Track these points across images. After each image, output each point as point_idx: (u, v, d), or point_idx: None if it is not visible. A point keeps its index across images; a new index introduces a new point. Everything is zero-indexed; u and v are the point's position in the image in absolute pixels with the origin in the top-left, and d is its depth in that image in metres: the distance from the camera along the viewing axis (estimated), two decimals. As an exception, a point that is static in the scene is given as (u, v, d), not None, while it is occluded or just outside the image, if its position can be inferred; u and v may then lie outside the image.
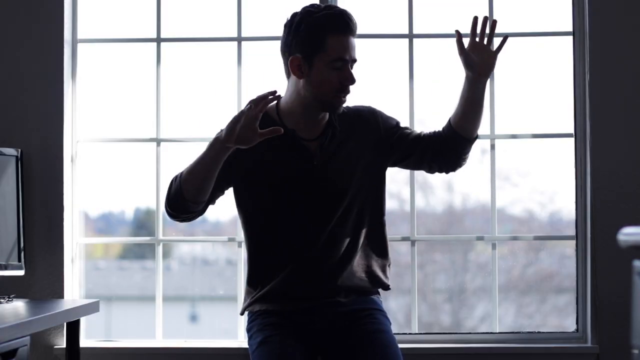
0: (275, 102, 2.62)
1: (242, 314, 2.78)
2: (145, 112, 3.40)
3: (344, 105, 2.68)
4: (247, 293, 2.76)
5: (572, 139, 3.26)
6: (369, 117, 2.75)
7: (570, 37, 3.28)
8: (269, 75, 3.43)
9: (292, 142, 2.66)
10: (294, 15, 2.65)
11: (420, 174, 3.33)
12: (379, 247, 2.73)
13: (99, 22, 3.44)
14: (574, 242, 3.26)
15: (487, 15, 3.01)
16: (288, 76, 2.68)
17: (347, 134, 2.71)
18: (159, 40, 3.39)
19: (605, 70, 3.19)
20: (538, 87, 3.37)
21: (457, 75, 3.40)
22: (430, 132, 2.76)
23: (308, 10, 2.63)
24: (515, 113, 3.35)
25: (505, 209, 3.43)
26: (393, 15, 3.37)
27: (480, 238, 3.31)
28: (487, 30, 2.68)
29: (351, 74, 2.62)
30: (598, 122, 3.19)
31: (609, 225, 3.14)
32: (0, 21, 3.28)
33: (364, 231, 2.69)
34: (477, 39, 2.68)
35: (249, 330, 2.74)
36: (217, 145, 2.51)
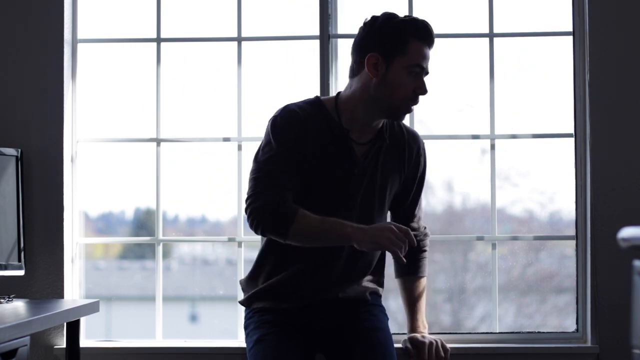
0: (335, 95, 2.70)
1: (243, 304, 2.78)
2: (145, 112, 3.39)
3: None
4: (249, 285, 2.76)
5: (572, 139, 3.26)
6: (418, 145, 2.82)
7: (570, 37, 3.27)
8: (269, 75, 3.43)
9: (343, 144, 2.68)
10: (376, 16, 2.67)
11: (420, 174, 3.33)
12: (382, 257, 2.85)
13: (99, 22, 3.44)
14: (574, 242, 3.26)
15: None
16: (355, 74, 2.68)
17: (392, 150, 2.75)
18: (159, 40, 3.39)
19: (605, 70, 3.19)
20: (538, 87, 3.37)
21: (457, 75, 3.41)
22: (416, 226, 2.91)
23: (393, 14, 2.66)
24: (515, 113, 3.35)
25: (505, 209, 3.43)
26: (393, 15, 3.36)
27: (480, 238, 3.31)
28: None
29: (424, 84, 2.66)
30: (598, 122, 3.18)
31: (609, 225, 3.14)
32: (0, 21, 3.28)
33: None
34: None
35: (246, 327, 2.75)
36: (344, 237, 2.53)
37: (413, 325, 2.95)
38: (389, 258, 2.87)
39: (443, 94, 3.39)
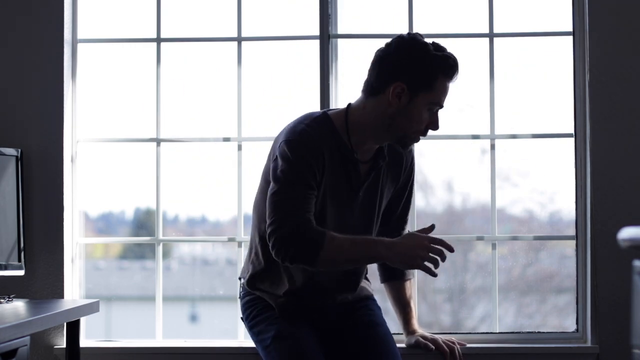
0: (345, 109, 2.67)
1: (249, 285, 2.77)
2: (145, 112, 3.39)
3: None
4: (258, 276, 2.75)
5: (572, 139, 3.26)
6: (412, 156, 2.83)
7: (570, 37, 3.27)
8: (269, 75, 3.43)
9: (352, 166, 2.66)
10: (408, 40, 2.59)
11: (421, 174, 3.34)
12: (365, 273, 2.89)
13: (99, 22, 3.44)
14: (574, 242, 3.26)
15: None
16: (373, 94, 2.62)
17: (391, 167, 2.75)
18: (159, 40, 3.39)
19: (605, 70, 3.19)
20: (538, 87, 3.37)
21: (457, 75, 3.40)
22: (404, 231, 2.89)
23: (426, 45, 2.59)
24: (515, 113, 3.35)
25: (505, 209, 3.43)
26: (393, 15, 3.37)
27: (480, 238, 3.31)
28: None
29: (438, 120, 2.65)
30: (598, 122, 3.18)
31: (609, 225, 3.14)
32: (0, 21, 3.28)
33: None
34: None
35: (251, 318, 2.74)
36: (376, 257, 2.57)
37: (411, 328, 2.96)
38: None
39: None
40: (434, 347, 2.91)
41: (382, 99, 2.60)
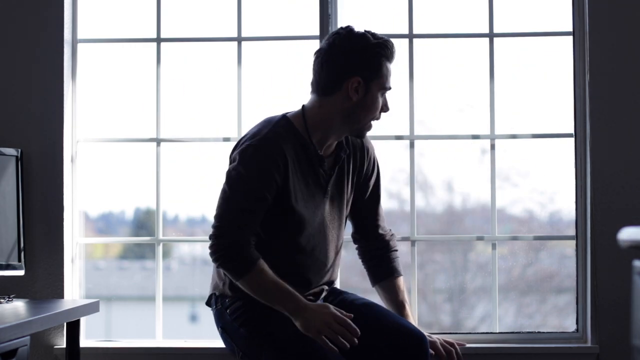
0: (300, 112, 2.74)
1: (233, 291, 2.78)
2: (145, 112, 3.39)
3: None
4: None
5: (572, 139, 3.26)
6: (372, 150, 2.89)
7: (570, 37, 3.27)
8: (269, 75, 3.43)
9: (318, 165, 2.73)
10: (348, 35, 2.68)
11: (421, 174, 3.34)
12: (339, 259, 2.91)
13: (99, 22, 3.44)
14: (574, 242, 3.26)
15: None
16: (328, 93, 2.70)
17: (353, 160, 2.83)
18: (159, 40, 3.39)
19: (605, 70, 3.19)
20: (538, 87, 3.37)
21: (457, 75, 3.41)
22: (383, 231, 2.93)
23: (364, 34, 2.69)
24: (515, 113, 3.35)
25: (505, 209, 3.43)
26: (393, 15, 3.37)
27: (480, 238, 3.31)
28: None
29: (388, 103, 2.76)
30: (598, 122, 3.18)
31: (609, 225, 3.14)
32: (0, 21, 3.28)
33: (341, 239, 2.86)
34: None
35: (248, 321, 2.74)
36: (288, 313, 2.62)
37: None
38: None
39: (443, 94, 3.39)
40: (433, 353, 2.91)
41: (338, 96, 2.69)
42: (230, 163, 2.72)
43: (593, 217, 3.17)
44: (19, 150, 3.16)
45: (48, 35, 3.28)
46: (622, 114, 3.18)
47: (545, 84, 3.37)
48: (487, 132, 3.31)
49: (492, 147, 3.31)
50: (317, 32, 3.32)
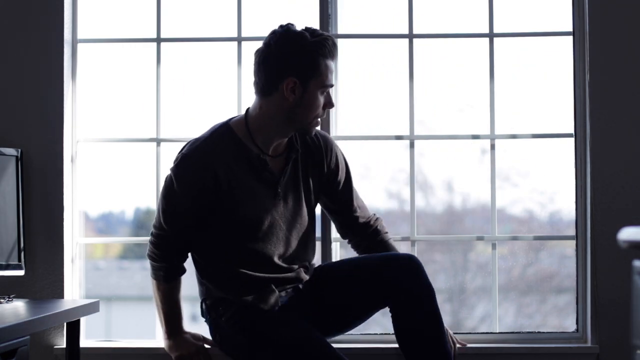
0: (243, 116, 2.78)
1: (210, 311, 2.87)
2: (145, 112, 3.39)
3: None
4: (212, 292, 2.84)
5: (572, 139, 3.26)
6: (332, 146, 2.89)
7: (570, 37, 3.27)
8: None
9: (262, 168, 2.75)
10: (283, 35, 2.69)
11: (421, 174, 3.34)
12: (312, 247, 2.94)
13: (99, 22, 3.44)
14: (574, 242, 3.26)
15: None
16: (267, 94, 2.72)
17: (309, 158, 2.84)
18: (159, 40, 3.39)
19: (605, 70, 3.19)
20: (538, 87, 3.37)
21: (457, 75, 3.41)
22: (364, 218, 2.95)
23: (301, 33, 2.69)
24: (515, 113, 3.35)
25: (505, 209, 3.43)
26: (393, 15, 3.37)
27: (480, 238, 3.31)
28: None
29: (332, 99, 2.77)
30: (598, 122, 3.18)
31: (609, 225, 3.14)
32: (0, 21, 3.28)
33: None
34: None
35: (248, 324, 2.75)
36: (163, 330, 2.89)
37: None
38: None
39: (443, 94, 3.39)
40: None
41: (276, 97, 2.70)
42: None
43: (593, 217, 3.17)
44: (19, 150, 3.16)
45: (48, 35, 3.28)
46: (622, 114, 3.18)
47: (545, 84, 3.37)
48: (487, 132, 3.31)
49: (492, 147, 3.31)
50: (317, 32, 3.31)
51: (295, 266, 2.85)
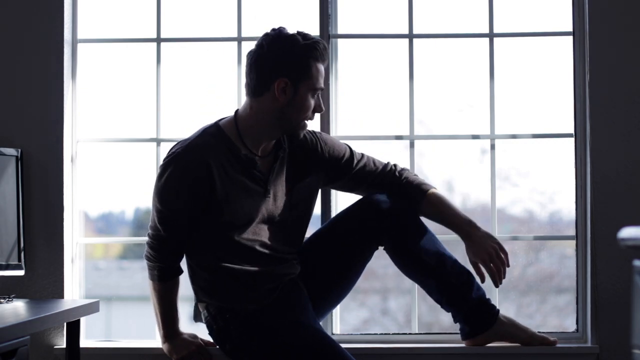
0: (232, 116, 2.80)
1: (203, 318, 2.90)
2: (145, 112, 3.39)
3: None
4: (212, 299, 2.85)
5: (572, 139, 3.26)
6: (317, 140, 2.90)
7: (570, 37, 3.27)
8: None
9: (252, 169, 2.77)
10: (276, 37, 2.73)
11: (421, 174, 3.33)
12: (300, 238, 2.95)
13: (99, 22, 3.44)
14: (574, 242, 3.26)
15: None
16: (257, 94, 2.75)
17: (299, 155, 2.86)
18: (159, 40, 3.39)
19: (605, 70, 3.19)
20: (538, 87, 3.37)
21: (457, 75, 3.41)
22: (379, 172, 2.95)
23: (293, 36, 2.73)
24: (515, 113, 3.35)
25: (505, 209, 3.43)
26: (393, 15, 3.37)
27: (480, 238, 3.30)
28: None
29: (321, 103, 2.80)
30: (598, 122, 3.18)
31: (609, 225, 3.14)
32: (0, 21, 3.28)
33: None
34: None
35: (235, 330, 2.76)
36: (159, 332, 2.91)
37: (464, 231, 2.94)
38: None
39: (443, 94, 3.39)
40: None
41: (267, 97, 2.74)
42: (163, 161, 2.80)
43: (593, 217, 3.17)
44: (19, 150, 3.16)
45: (48, 35, 3.28)
46: (622, 114, 3.18)
47: (545, 84, 3.37)
48: (487, 132, 3.31)
49: (492, 147, 3.31)
50: (317, 32, 3.32)
51: (288, 261, 2.86)
